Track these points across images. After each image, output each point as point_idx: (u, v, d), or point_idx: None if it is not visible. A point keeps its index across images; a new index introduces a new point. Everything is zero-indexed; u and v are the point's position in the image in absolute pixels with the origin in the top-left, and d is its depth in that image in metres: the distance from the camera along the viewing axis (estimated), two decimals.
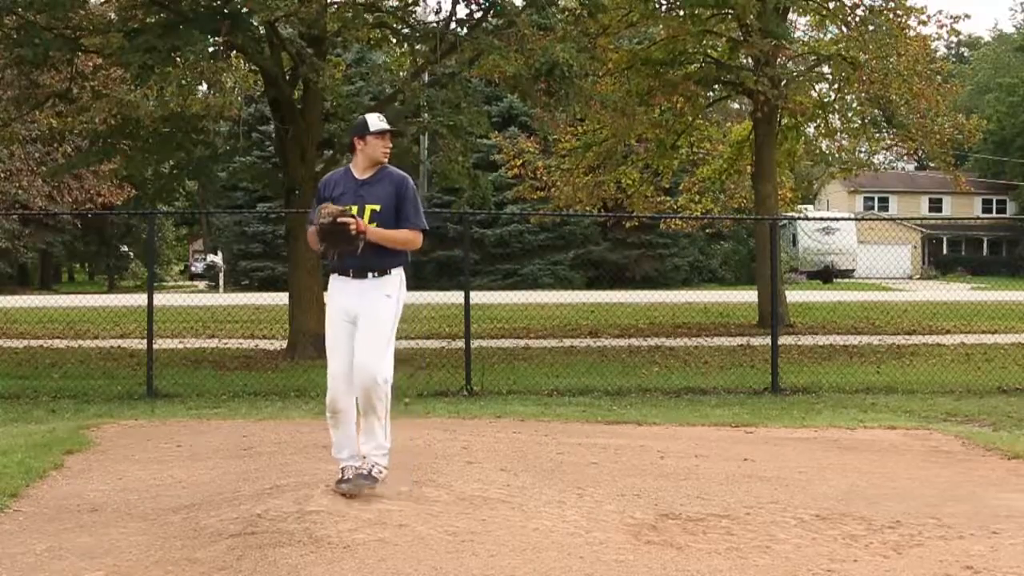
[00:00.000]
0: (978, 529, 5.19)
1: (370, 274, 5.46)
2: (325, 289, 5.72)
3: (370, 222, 5.40)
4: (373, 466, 5.39)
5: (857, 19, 19.15)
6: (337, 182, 5.61)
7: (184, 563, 4.52)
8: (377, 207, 5.45)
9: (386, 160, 5.61)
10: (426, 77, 16.41)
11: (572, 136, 22.43)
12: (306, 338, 14.77)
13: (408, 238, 5.52)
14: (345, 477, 5.41)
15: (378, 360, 5.35)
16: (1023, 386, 11.85)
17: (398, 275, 5.54)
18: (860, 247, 44.86)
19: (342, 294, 5.49)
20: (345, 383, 5.42)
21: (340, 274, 5.51)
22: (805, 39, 26.24)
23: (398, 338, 5.60)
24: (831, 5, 19.94)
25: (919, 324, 20.20)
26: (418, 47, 16.10)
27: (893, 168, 62.93)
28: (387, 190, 5.51)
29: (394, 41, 17.33)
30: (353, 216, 5.34)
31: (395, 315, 5.50)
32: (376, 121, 5.56)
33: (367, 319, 5.39)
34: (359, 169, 5.59)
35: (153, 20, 14.08)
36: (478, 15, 15.27)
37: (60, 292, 40.68)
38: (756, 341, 15.79)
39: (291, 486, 5.63)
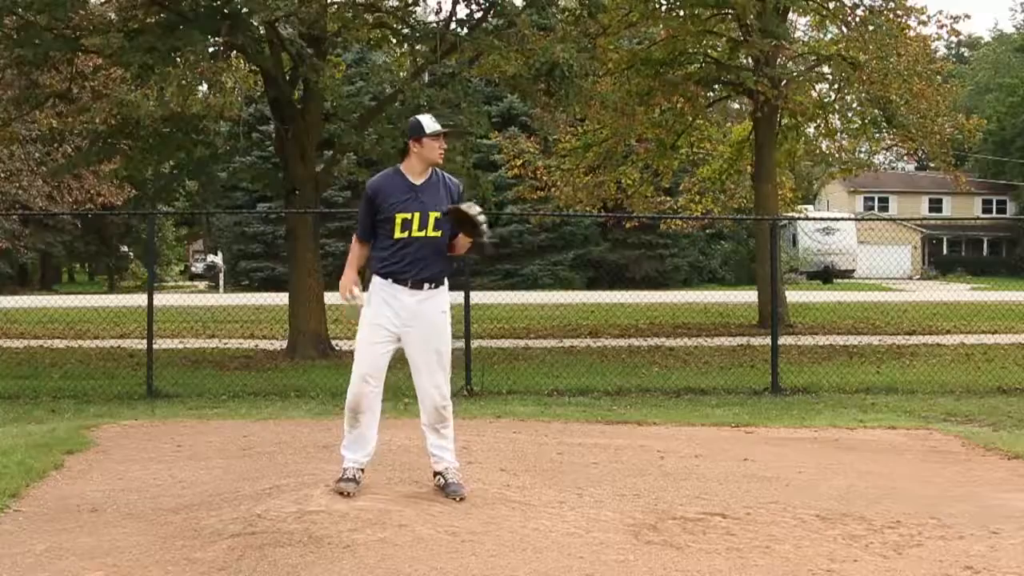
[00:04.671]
0: (978, 529, 5.19)
1: (426, 285, 5.33)
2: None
3: (435, 229, 5.27)
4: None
5: (857, 19, 19.13)
6: (391, 187, 5.33)
7: (184, 563, 4.52)
8: (439, 214, 5.27)
9: (441, 162, 5.44)
10: (426, 77, 16.40)
11: (572, 136, 22.44)
12: (306, 338, 14.75)
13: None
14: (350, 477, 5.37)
15: (447, 379, 5.42)
16: (1023, 386, 11.85)
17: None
18: (860, 247, 44.87)
19: (396, 301, 5.29)
20: (375, 384, 5.35)
21: (395, 281, 5.28)
22: (805, 39, 26.29)
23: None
24: (831, 5, 19.92)
25: (919, 324, 20.20)
26: (418, 47, 16.08)
27: (893, 168, 63.01)
28: (444, 196, 5.36)
29: (394, 41, 17.31)
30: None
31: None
32: (430, 123, 5.35)
33: (434, 334, 5.35)
34: (414, 173, 5.36)
35: (153, 20, 14.08)
36: (478, 15, 15.27)
37: (60, 292, 40.67)
38: (756, 341, 15.78)
39: (291, 486, 5.63)
